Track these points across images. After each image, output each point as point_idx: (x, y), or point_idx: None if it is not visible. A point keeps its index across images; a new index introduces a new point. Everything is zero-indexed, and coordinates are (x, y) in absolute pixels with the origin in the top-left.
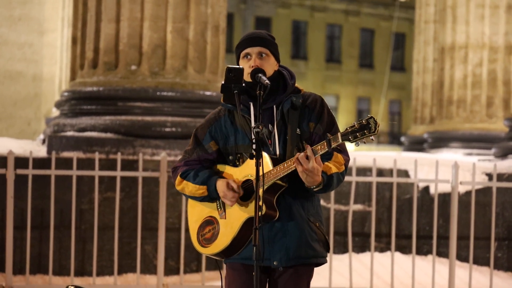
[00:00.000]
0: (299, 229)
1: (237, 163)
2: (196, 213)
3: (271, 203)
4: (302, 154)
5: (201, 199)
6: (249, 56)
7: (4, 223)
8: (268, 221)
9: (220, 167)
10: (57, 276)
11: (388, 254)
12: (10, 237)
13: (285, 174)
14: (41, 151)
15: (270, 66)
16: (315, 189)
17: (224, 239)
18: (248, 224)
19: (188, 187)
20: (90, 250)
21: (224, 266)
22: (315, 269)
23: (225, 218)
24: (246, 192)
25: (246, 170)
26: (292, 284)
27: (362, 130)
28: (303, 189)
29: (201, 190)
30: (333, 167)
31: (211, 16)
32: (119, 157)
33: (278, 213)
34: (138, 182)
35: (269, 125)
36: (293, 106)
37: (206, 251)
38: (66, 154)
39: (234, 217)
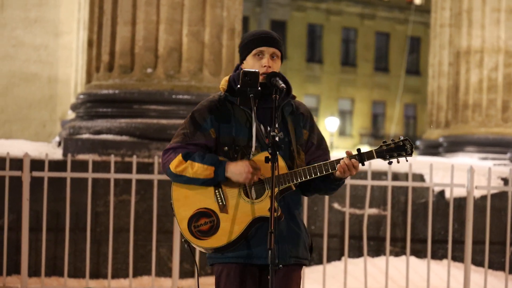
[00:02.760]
0: (299, 229)
1: (235, 156)
2: (187, 201)
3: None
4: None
5: (203, 181)
6: (261, 55)
7: (20, 225)
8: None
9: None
10: (72, 279)
11: (403, 258)
12: (25, 239)
13: (301, 181)
14: (56, 154)
15: (277, 68)
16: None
17: (228, 235)
18: (252, 224)
19: (194, 167)
20: (105, 253)
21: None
22: (329, 273)
23: (227, 213)
24: (255, 192)
25: None
26: (287, 282)
27: (399, 151)
28: (296, 192)
29: (208, 171)
30: None
31: (226, 19)
32: (134, 160)
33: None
34: (153, 185)
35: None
36: (291, 111)
37: (203, 244)
38: (81, 157)
39: (241, 214)
